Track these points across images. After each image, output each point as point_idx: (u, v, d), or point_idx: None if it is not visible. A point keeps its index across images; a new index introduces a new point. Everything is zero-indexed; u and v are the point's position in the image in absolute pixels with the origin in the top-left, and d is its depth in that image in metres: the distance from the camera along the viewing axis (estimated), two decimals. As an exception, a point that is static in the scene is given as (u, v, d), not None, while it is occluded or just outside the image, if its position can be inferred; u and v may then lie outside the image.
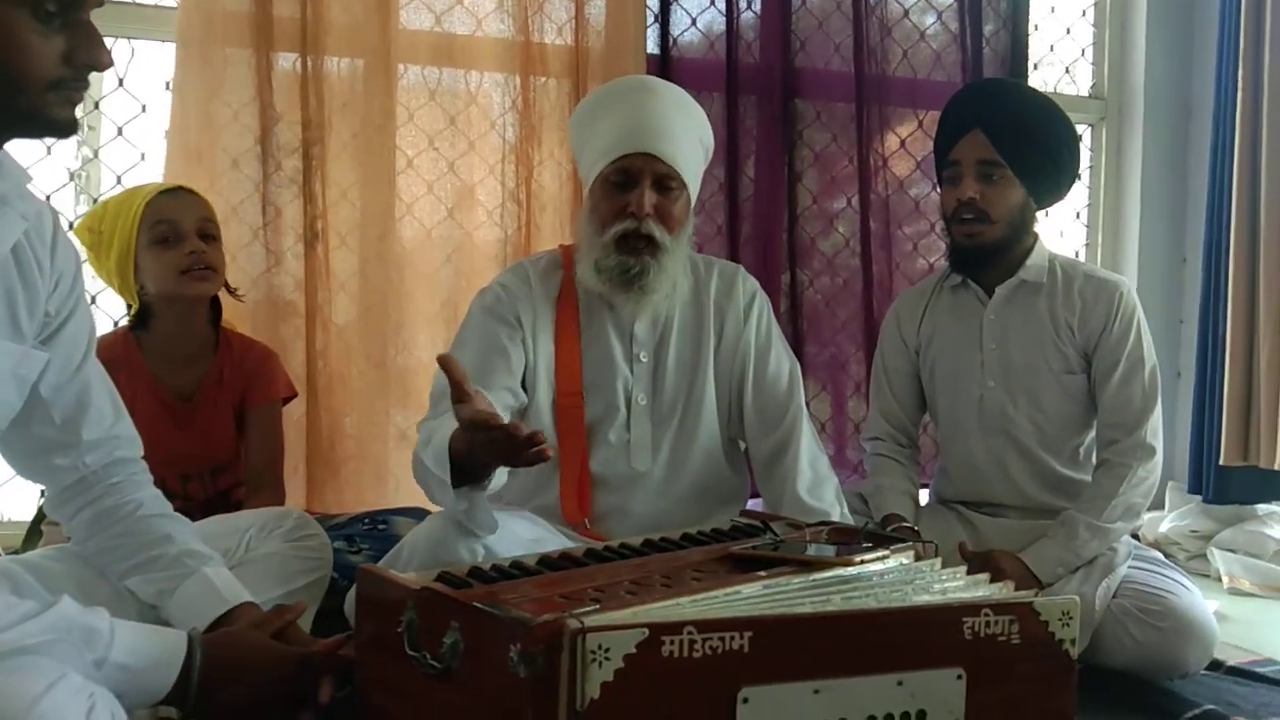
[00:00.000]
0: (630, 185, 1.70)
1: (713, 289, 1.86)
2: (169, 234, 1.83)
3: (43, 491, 1.91)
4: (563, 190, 2.50)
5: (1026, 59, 2.93)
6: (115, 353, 1.84)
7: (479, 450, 1.29)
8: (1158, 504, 2.97)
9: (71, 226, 2.25)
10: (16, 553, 1.53)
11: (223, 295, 1.98)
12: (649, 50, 2.56)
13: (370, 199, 2.36)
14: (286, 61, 2.30)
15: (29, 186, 1.20)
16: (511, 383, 1.71)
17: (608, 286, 1.73)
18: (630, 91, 1.79)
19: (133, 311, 1.91)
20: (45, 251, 1.23)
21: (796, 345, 2.70)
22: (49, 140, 1.22)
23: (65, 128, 1.12)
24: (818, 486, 1.80)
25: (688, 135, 1.75)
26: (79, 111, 1.14)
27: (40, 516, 1.89)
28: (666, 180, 1.72)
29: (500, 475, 1.46)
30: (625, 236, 1.70)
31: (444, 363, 1.28)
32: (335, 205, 2.34)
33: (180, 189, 1.91)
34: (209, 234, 1.89)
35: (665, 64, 2.58)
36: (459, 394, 1.27)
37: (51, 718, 0.88)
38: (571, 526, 1.75)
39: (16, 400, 1.23)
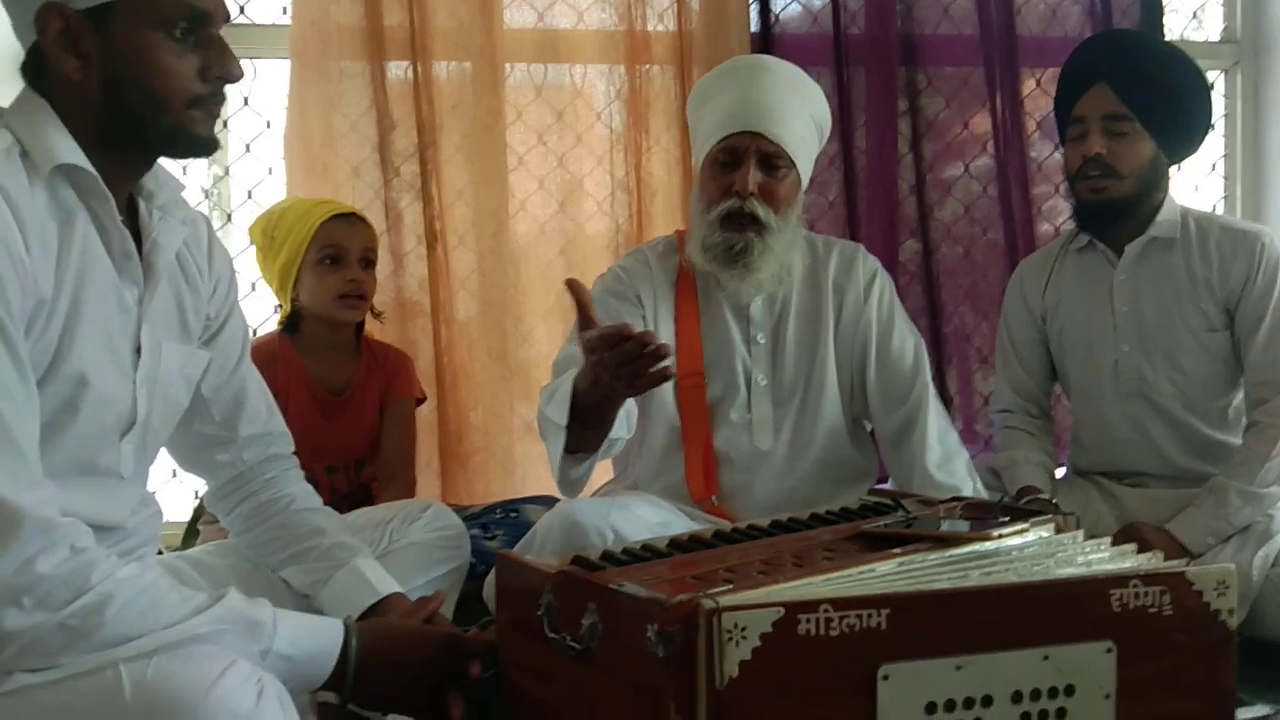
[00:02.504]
0: (736, 164, 1.71)
1: (831, 269, 1.85)
2: (335, 256, 1.95)
3: (197, 493, 2.04)
4: (671, 175, 2.50)
5: (1161, 8, 2.76)
6: (273, 350, 1.99)
7: (605, 374, 1.32)
8: (1315, 467, 2.80)
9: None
10: (178, 550, 1.63)
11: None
12: (751, 29, 2.54)
13: (484, 198, 2.41)
14: (398, 69, 2.37)
15: (182, 195, 1.27)
16: None
17: (713, 264, 1.74)
18: (741, 70, 1.79)
19: (283, 314, 2.04)
20: (203, 257, 1.31)
21: (928, 316, 2.63)
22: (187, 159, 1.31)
23: (207, 145, 1.19)
24: (948, 462, 1.78)
25: (798, 114, 1.74)
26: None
27: (197, 516, 2.00)
28: (773, 159, 1.71)
29: (620, 426, 1.48)
30: (730, 215, 1.71)
31: (571, 286, 1.34)
32: (451, 206, 2.40)
33: (353, 215, 2.03)
34: (369, 261, 2.01)
35: (767, 41, 2.54)
36: (585, 320, 1.32)
37: (226, 700, 0.94)
38: (698, 504, 1.77)
39: (184, 398, 1.31)
